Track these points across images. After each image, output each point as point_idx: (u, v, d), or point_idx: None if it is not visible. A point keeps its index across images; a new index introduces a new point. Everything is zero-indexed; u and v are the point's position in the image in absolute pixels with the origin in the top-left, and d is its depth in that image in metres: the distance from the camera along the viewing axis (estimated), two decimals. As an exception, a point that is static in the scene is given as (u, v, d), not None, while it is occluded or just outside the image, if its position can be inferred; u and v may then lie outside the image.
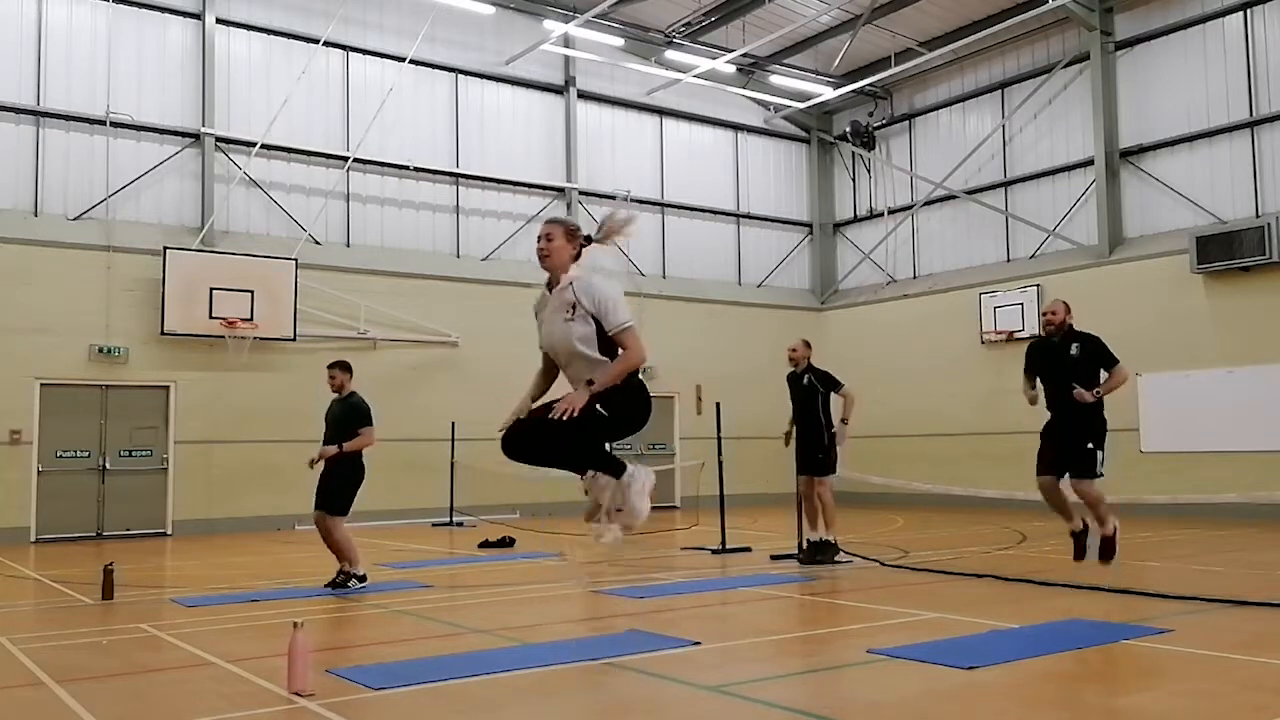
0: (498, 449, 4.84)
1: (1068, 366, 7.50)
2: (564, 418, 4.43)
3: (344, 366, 9.45)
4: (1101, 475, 7.45)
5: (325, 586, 9.11)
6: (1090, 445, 7.38)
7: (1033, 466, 8.14)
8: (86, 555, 12.40)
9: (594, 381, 4.58)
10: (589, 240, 4.90)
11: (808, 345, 10.23)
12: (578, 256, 4.85)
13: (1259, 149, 16.18)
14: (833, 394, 10.13)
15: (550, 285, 4.86)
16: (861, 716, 4.69)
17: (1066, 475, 7.63)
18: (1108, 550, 7.37)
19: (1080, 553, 7.67)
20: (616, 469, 4.68)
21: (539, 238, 4.84)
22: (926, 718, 4.64)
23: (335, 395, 9.40)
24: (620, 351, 4.69)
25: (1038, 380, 8.01)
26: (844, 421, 9.96)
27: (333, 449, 9.04)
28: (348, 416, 9.19)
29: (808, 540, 9.90)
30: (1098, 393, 7.37)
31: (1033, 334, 18.12)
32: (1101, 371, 7.65)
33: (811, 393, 9.94)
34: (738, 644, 6.59)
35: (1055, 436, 7.59)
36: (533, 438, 4.66)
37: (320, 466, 9.19)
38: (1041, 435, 7.75)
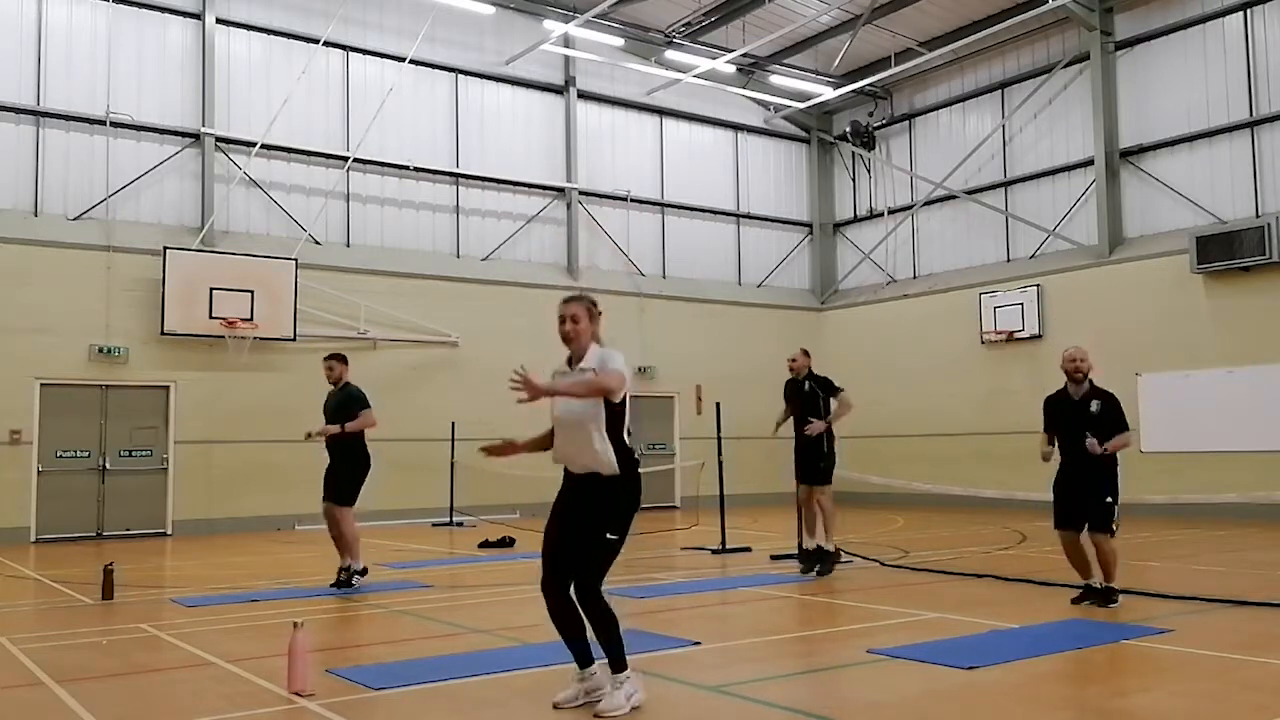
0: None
1: (1088, 424, 7.54)
2: (523, 395, 4.45)
3: (340, 358, 9.50)
4: (1115, 532, 7.50)
5: (331, 587, 9.12)
6: (1109, 499, 7.44)
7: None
8: (86, 555, 12.39)
9: (553, 387, 4.64)
10: (599, 314, 4.96)
11: (807, 355, 10.19)
12: (596, 335, 4.90)
13: (1259, 149, 16.18)
14: (832, 398, 10.06)
15: (571, 361, 4.91)
16: (861, 716, 4.69)
17: (1084, 531, 7.65)
18: (1108, 598, 7.45)
19: (1082, 600, 7.72)
20: (619, 661, 4.73)
21: (562, 319, 4.86)
22: (926, 718, 4.64)
23: (332, 387, 9.44)
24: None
25: (1054, 433, 8.00)
26: (830, 421, 9.88)
27: (334, 428, 9.11)
28: (346, 403, 9.25)
29: (806, 549, 9.81)
30: (1106, 448, 7.40)
31: (1033, 333, 18.17)
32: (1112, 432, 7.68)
33: (813, 399, 9.84)
34: (738, 644, 6.60)
35: (1071, 489, 7.62)
36: (560, 567, 4.75)
37: (326, 461, 9.23)
38: (1055, 488, 7.77)
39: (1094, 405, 7.59)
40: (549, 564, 4.79)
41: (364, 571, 9.26)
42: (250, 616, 7.74)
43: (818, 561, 9.52)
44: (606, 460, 4.71)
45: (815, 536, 9.69)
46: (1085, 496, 7.49)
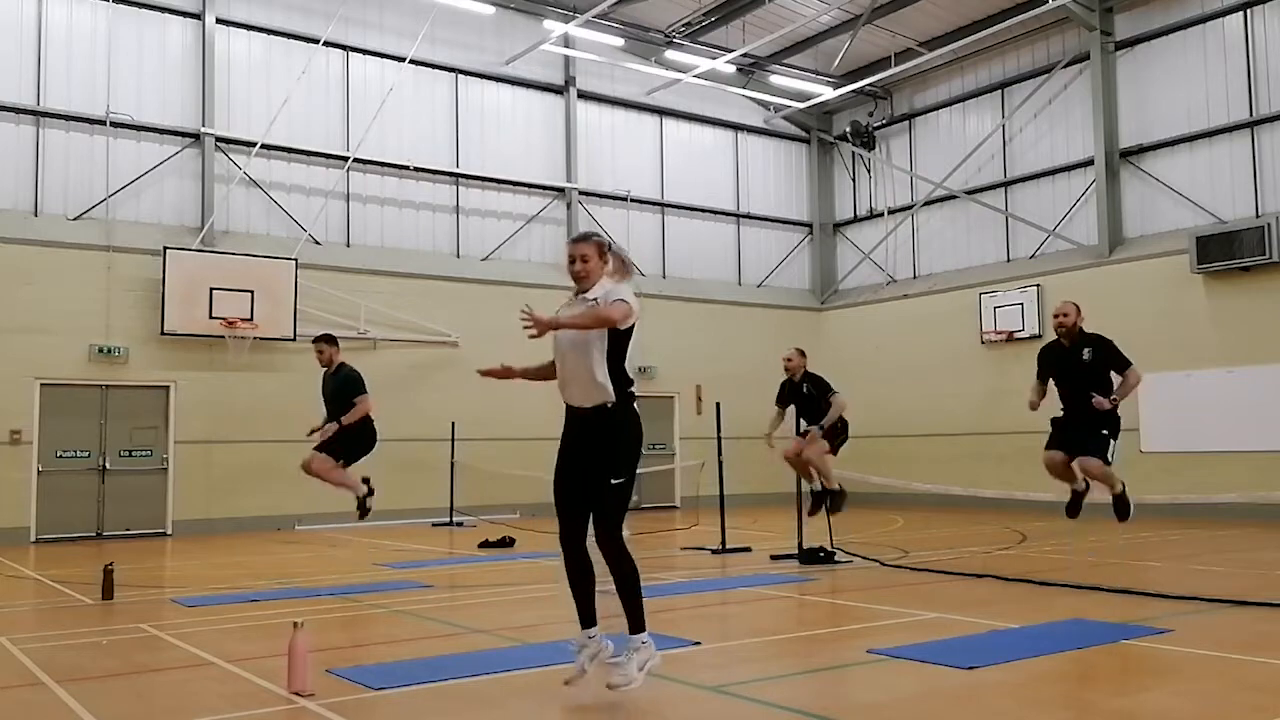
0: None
1: (1081, 372, 7.46)
2: (532, 330, 4.60)
3: (330, 340, 9.46)
4: (1110, 464, 7.41)
5: (360, 518, 9.29)
6: (1105, 432, 7.35)
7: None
8: (86, 555, 12.39)
9: (596, 302, 4.75)
10: (611, 247, 5.03)
11: (802, 354, 10.24)
12: (606, 269, 4.97)
13: (1259, 149, 16.18)
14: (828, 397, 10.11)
15: (577, 294, 5.00)
16: (861, 716, 4.69)
17: (1076, 459, 7.56)
18: (1122, 509, 7.31)
19: (1075, 509, 7.62)
20: (638, 619, 4.79)
21: (572, 259, 4.94)
22: (926, 718, 4.64)
23: (325, 370, 9.40)
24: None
25: (1049, 384, 7.94)
26: (822, 427, 9.95)
27: (334, 425, 9.09)
28: (343, 389, 9.22)
29: (811, 490, 10.00)
30: (1115, 399, 7.33)
31: (1033, 333, 18.16)
32: (1114, 375, 7.60)
33: (810, 399, 9.99)
34: (738, 644, 6.60)
35: (1069, 426, 7.54)
36: (578, 519, 4.83)
37: (320, 435, 9.26)
38: (1051, 422, 7.69)
39: (1086, 353, 7.53)
40: (564, 515, 4.86)
41: (371, 491, 9.28)
42: (250, 616, 7.74)
43: (824, 500, 9.60)
44: (605, 389, 4.76)
45: (814, 481, 9.82)
46: (1083, 433, 7.41)
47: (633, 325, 4.84)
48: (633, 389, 4.90)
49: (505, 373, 5.16)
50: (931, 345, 19.97)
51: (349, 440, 9.19)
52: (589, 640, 4.84)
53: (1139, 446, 15.37)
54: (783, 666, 5.95)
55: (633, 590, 4.77)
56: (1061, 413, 7.70)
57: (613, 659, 4.79)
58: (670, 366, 20.04)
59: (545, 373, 5.15)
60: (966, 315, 19.45)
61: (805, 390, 9.97)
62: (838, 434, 10.02)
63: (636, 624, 4.77)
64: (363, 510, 9.24)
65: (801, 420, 10.27)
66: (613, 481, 4.73)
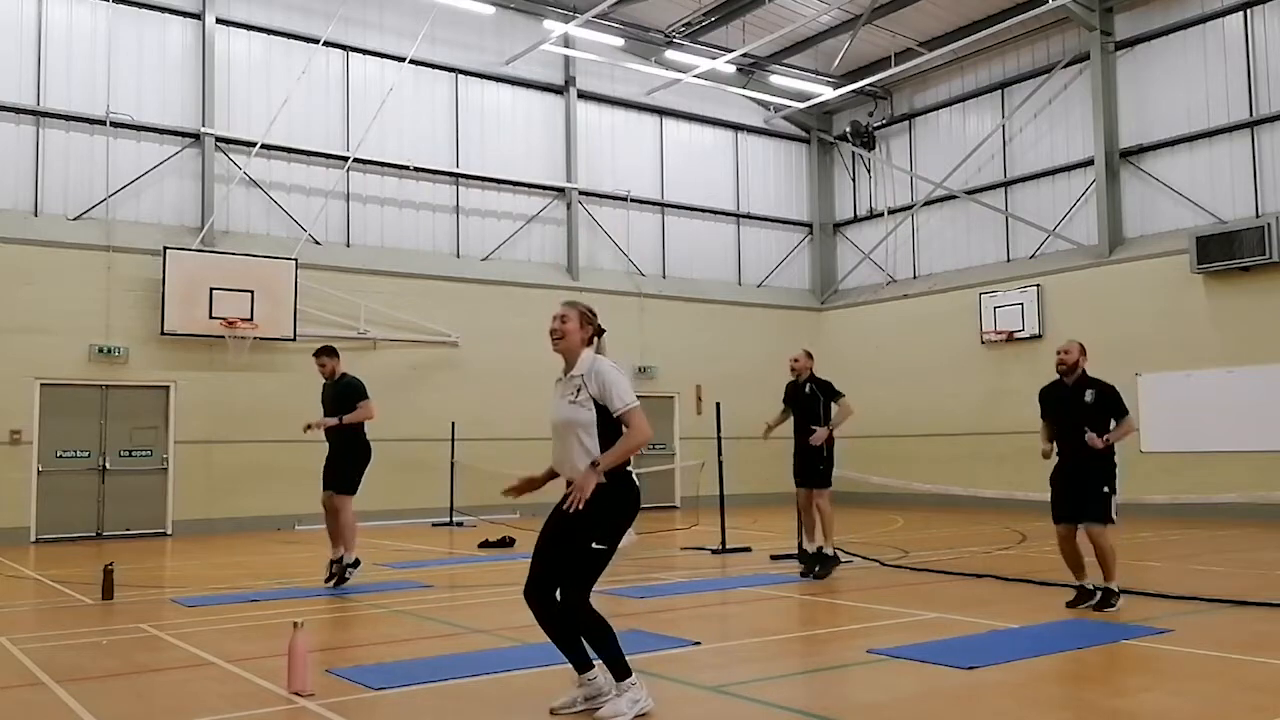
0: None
1: (1081, 412, 7.51)
2: (574, 507, 4.51)
3: (331, 352, 9.47)
4: (1114, 522, 7.47)
5: (326, 584, 9.12)
6: (1105, 489, 7.42)
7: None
8: (86, 555, 12.39)
9: (598, 462, 4.60)
10: (602, 331, 4.90)
11: (809, 356, 10.07)
12: (590, 342, 4.85)
13: (1259, 149, 16.18)
14: (833, 403, 9.94)
15: (565, 370, 4.88)
16: (861, 716, 4.69)
17: (1081, 526, 7.62)
18: (1106, 602, 7.40)
19: (1078, 603, 7.70)
20: (621, 669, 4.66)
21: (554, 318, 4.84)
22: (926, 718, 4.64)
23: (326, 381, 9.43)
24: (624, 430, 4.69)
25: (1051, 426, 7.98)
26: (830, 428, 9.77)
27: (332, 420, 9.10)
28: (345, 395, 9.24)
29: (806, 550, 9.76)
30: (1107, 439, 7.38)
31: (1033, 333, 18.17)
32: (1112, 422, 7.65)
33: (814, 402, 9.74)
34: (738, 644, 6.60)
35: (1068, 482, 7.60)
36: (544, 577, 4.70)
37: (326, 449, 9.23)
38: (1051, 481, 7.75)
39: (1088, 395, 7.57)
40: (532, 570, 4.74)
41: (357, 564, 9.25)
42: (250, 616, 7.74)
43: (817, 564, 9.48)
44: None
45: (814, 540, 9.64)
46: (1082, 489, 7.47)
47: (608, 409, 4.73)
48: (629, 468, 4.75)
49: (529, 485, 5.05)
50: (931, 345, 19.97)
51: (348, 466, 9.18)
52: (588, 682, 4.73)
53: (1139, 446, 15.37)
54: (783, 666, 5.95)
55: (606, 646, 4.62)
56: (1058, 458, 7.74)
57: (600, 698, 4.71)
58: (670, 366, 20.04)
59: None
60: (966, 315, 19.45)
61: (808, 391, 9.83)
62: (828, 461, 9.75)
63: (621, 673, 4.65)
64: (337, 577, 9.12)
65: (797, 436, 10.00)
66: (594, 546, 4.60)
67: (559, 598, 4.66)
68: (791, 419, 9.97)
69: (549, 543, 4.73)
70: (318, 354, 9.47)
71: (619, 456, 4.63)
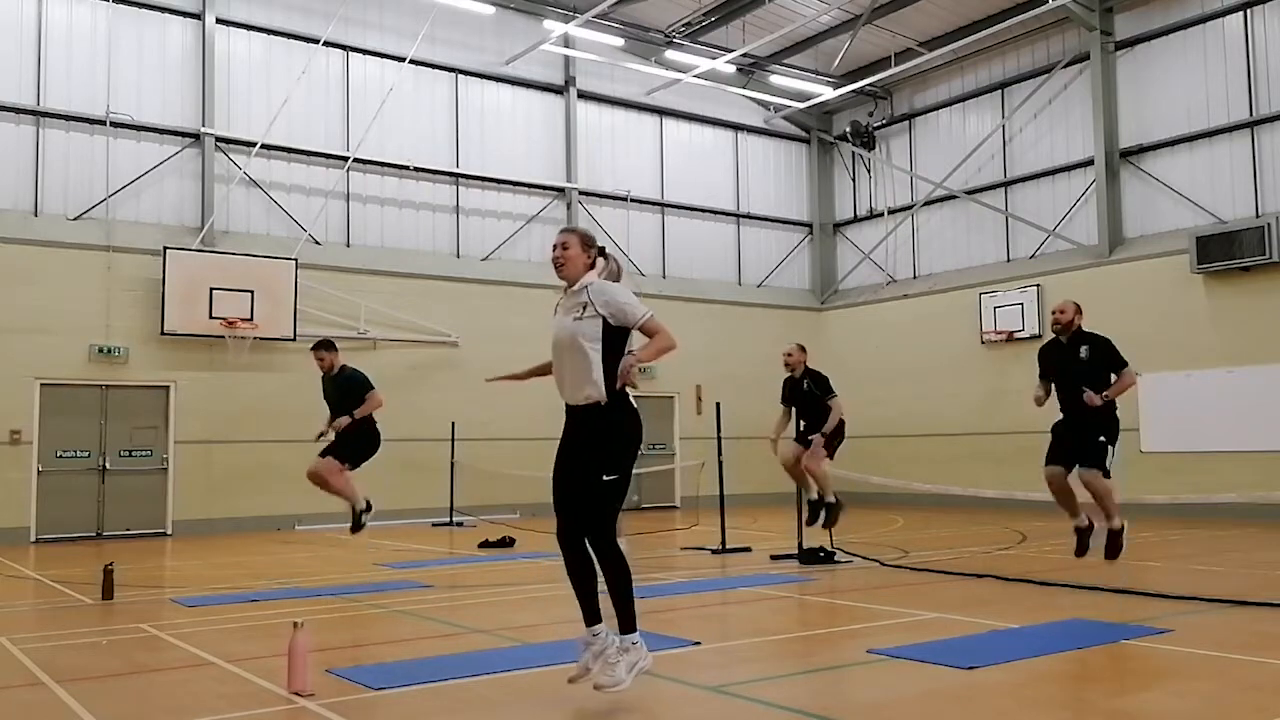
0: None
1: (1077, 369, 7.48)
2: (624, 385, 4.67)
3: (328, 346, 9.41)
4: (1109, 472, 7.42)
5: (351, 532, 9.22)
6: (1102, 438, 7.35)
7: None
8: (86, 555, 12.39)
9: (635, 355, 4.74)
10: (603, 251, 5.03)
11: (803, 349, 10.12)
12: (592, 265, 4.97)
13: (1259, 149, 16.18)
14: (826, 400, 9.95)
15: (566, 288, 5.00)
16: (861, 716, 4.69)
17: (1075, 469, 7.57)
18: (1114, 547, 7.31)
19: (1082, 549, 7.63)
20: (629, 620, 4.75)
21: (554, 246, 4.98)
22: (926, 718, 4.64)
23: (325, 374, 9.37)
24: (646, 340, 4.84)
25: (1051, 382, 7.96)
26: (823, 434, 9.81)
27: (346, 419, 9.03)
28: (349, 389, 9.18)
29: (809, 500, 9.85)
30: (1105, 397, 7.35)
31: (1033, 333, 18.16)
32: (1112, 376, 7.62)
33: (812, 396, 9.86)
34: (738, 644, 6.60)
35: (1066, 431, 7.55)
36: (571, 516, 4.80)
37: (330, 435, 9.20)
38: (1052, 431, 7.71)
39: (1083, 350, 7.56)
40: (559, 513, 4.85)
41: (369, 508, 9.24)
42: (250, 616, 7.73)
43: (819, 509, 9.47)
44: (598, 388, 4.74)
45: (812, 490, 9.70)
46: (1080, 437, 7.43)
47: (628, 326, 4.83)
48: (630, 398, 4.86)
49: (512, 378, 5.18)
50: (931, 345, 19.97)
51: (353, 442, 9.15)
52: (594, 638, 4.82)
53: (1139, 446, 15.37)
54: (783, 666, 5.95)
55: (623, 591, 4.73)
56: (1060, 415, 7.71)
57: (605, 657, 4.77)
58: (670, 366, 20.00)
59: (547, 369, 5.16)
60: (966, 315, 19.45)
61: (805, 387, 9.88)
62: (835, 437, 9.93)
63: (627, 624, 4.75)
64: (356, 525, 9.17)
65: (801, 422, 10.16)
66: (604, 478, 4.70)
67: (590, 538, 4.75)
68: (794, 417, 10.02)
69: (563, 484, 4.83)
70: (315, 348, 9.40)
71: (653, 354, 4.78)
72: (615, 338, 4.80)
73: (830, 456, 9.82)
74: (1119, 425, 7.50)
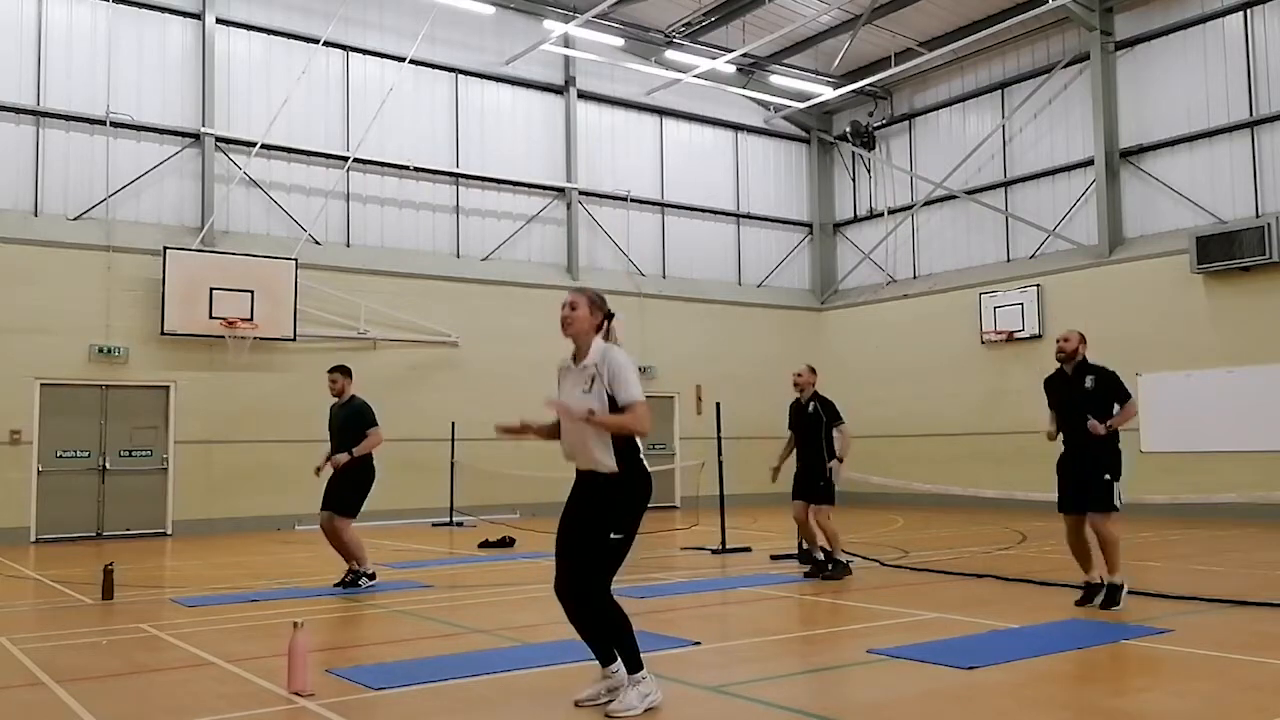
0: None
1: (1081, 399, 7.52)
2: (563, 414, 4.60)
3: (345, 371, 9.42)
4: (1119, 509, 7.46)
5: (335, 586, 9.10)
6: (1108, 477, 7.42)
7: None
8: (86, 555, 12.39)
9: (594, 411, 4.63)
10: (612, 315, 4.90)
11: (813, 371, 9.91)
12: (599, 327, 4.85)
13: (1259, 149, 16.18)
14: (835, 429, 9.76)
15: (575, 357, 4.88)
16: (861, 716, 4.69)
17: (1088, 517, 7.62)
18: (1111, 600, 7.38)
19: (1085, 601, 7.68)
20: (635, 663, 4.71)
21: (564, 305, 4.85)
22: (926, 718, 4.64)
23: (335, 400, 9.37)
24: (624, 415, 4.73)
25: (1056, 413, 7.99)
26: (840, 460, 9.65)
27: (344, 456, 8.99)
28: (353, 421, 9.16)
29: (813, 556, 9.63)
30: (1110, 426, 7.39)
31: (1033, 333, 18.17)
32: (1116, 407, 7.65)
33: (816, 421, 9.56)
34: (738, 644, 6.60)
35: (1072, 471, 7.61)
36: (570, 570, 4.73)
37: (329, 471, 9.14)
38: (1058, 470, 7.77)
39: (1088, 381, 7.60)
40: (558, 568, 4.78)
41: (373, 576, 9.18)
42: (250, 616, 7.73)
43: (827, 565, 9.36)
44: (605, 460, 4.68)
45: (817, 549, 9.54)
46: (1085, 477, 7.47)
47: (614, 397, 4.76)
48: (638, 453, 4.77)
49: (524, 430, 5.05)
50: (931, 345, 19.97)
51: (352, 487, 9.09)
52: (611, 675, 4.75)
53: (1139, 446, 15.37)
54: (783, 666, 5.95)
55: (620, 638, 4.68)
56: (1063, 447, 7.74)
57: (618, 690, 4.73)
58: (670, 366, 20.03)
59: (556, 432, 4.99)
60: (966, 315, 19.45)
61: (811, 410, 9.68)
62: (829, 488, 9.63)
63: (634, 666, 4.69)
64: (348, 584, 9.09)
65: (799, 453, 9.80)
66: (611, 536, 4.64)
67: (582, 591, 4.69)
68: (795, 441, 9.81)
69: (566, 537, 4.77)
70: (332, 370, 9.40)
71: (612, 425, 4.65)
72: (619, 408, 4.70)
73: (832, 503, 9.56)
74: (1121, 458, 7.55)
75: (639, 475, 4.75)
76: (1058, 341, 7.86)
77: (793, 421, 9.79)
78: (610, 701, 4.69)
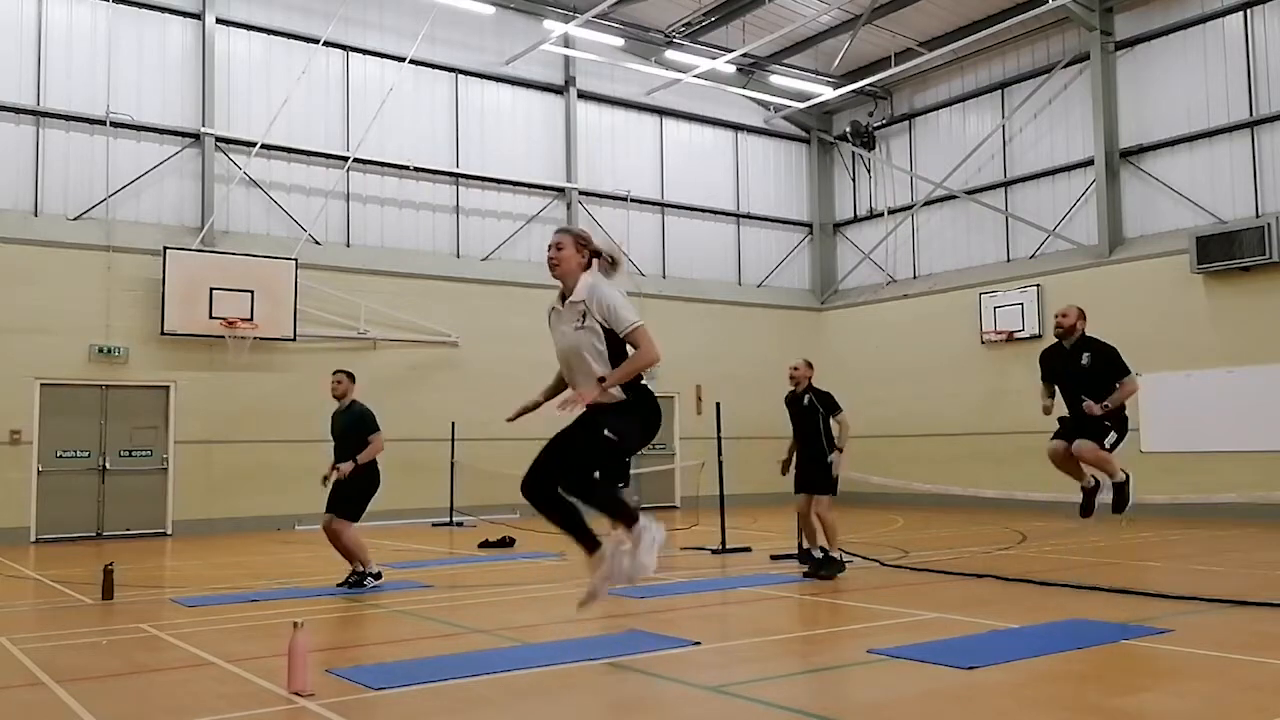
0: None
1: (1078, 375, 7.46)
2: (569, 408, 4.57)
3: (349, 375, 9.47)
4: (1107, 449, 7.39)
5: (338, 586, 9.10)
6: (1107, 424, 7.35)
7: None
8: (86, 555, 12.39)
9: (605, 379, 4.61)
10: (598, 252, 4.95)
11: (809, 365, 9.89)
12: (587, 266, 4.91)
13: (1259, 149, 16.18)
14: (832, 419, 9.77)
15: (563, 297, 4.92)
16: (861, 716, 4.69)
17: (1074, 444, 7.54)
18: (1120, 499, 7.25)
19: (1088, 508, 7.57)
20: (629, 517, 4.67)
21: (549, 246, 4.94)
22: (926, 718, 4.64)
23: (337, 403, 9.39)
24: (631, 352, 4.76)
25: (1055, 387, 7.95)
26: (840, 450, 9.65)
27: (349, 465, 9.02)
28: (355, 426, 9.19)
29: (811, 555, 9.64)
30: (1106, 406, 7.32)
31: (1033, 333, 18.16)
32: (1114, 382, 7.60)
33: (813, 414, 9.57)
34: (738, 644, 6.60)
35: (1073, 425, 7.55)
36: (548, 465, 4.68)
37: (326, 460, 9.18)
38: (1059, 420, 7.72)
39: (1085, 357, 7.54)
40: (534, 462, 4.72)
41: (379, 576, 9.20)
42: (250, 616, 7.73)
43: (822, 567, 9.38)
44: (612, 392, 4.69)
45: (816, 546, 9.54)
46: (1088, 426, 7.41)
47: (615, 331, 4.77)
48: (643, 381, 4.81)
49: (532, 405, 5.08)
50: (931, 345, 19.97)
51: (356, 493, 9.13)
52: (600, 562, 4.71)
53: (1139, 446, 15.36)
54: (783, 666, 5.95)
55: (615, 507, 4.65)
56: (1068, 413, 7.71)
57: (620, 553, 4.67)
58: (670, 366, 19.91)
59: (558, 389, 5.06)
60: (966, 315, 19.45)
61: (807, 403, 9.67)
62: (832, 482, 9.61)
63: (629, 521, 4.67)
64: (351, 583, 9.10)
65: (798, 447, 9.80)
66: (605, 433, 4.60)
67: (562, 487, 4.64)
68: (794, 434, 9.81)
69: (558, 437, 4.74)
70: (337, 372, 9.44)
71: (626, 373, 4.68)
72: (617, 340, 4.76)
73: (834, 493, 9.54)
74: (1128, 423, 7.50)
75: (645, 396, 4.77)
76: (1056, 316, 7.80)
77: (789, 414, 9.81)
78: (614, 582, 4.65)
